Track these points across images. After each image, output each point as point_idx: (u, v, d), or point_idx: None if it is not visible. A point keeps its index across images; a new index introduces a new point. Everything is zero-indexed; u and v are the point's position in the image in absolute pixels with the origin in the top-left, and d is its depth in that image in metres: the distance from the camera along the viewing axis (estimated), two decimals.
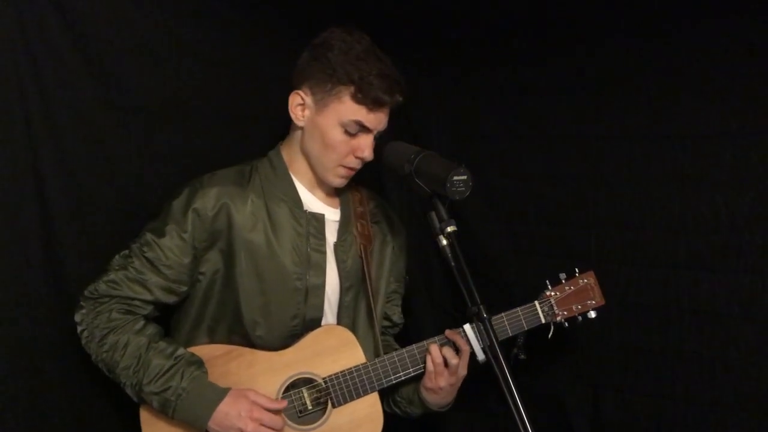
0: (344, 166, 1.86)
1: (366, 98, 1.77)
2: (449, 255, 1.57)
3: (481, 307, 1.52)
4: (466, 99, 2.51)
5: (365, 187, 2.09)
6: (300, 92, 1.84)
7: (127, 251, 1.80)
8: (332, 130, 1.81)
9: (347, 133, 1.81)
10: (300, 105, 1.85)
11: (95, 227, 1.88)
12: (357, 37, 1.81)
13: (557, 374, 2.33)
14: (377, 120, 1.82)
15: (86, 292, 1.78)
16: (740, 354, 2.02)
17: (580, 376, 2.31)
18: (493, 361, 1.48)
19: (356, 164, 1.87)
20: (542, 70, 2.32)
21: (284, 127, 1.96)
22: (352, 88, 1.77)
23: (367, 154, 1.84)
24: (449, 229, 1.58)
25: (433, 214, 1.63)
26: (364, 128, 1.82)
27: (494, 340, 1.50)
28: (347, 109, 1.79)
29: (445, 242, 1.58)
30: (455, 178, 1.57)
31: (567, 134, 2.30)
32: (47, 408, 1.80)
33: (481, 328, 1.84)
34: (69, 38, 1.78)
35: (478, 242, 2.47)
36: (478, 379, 1.91)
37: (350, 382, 1.87)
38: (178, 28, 2.02)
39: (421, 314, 2.57)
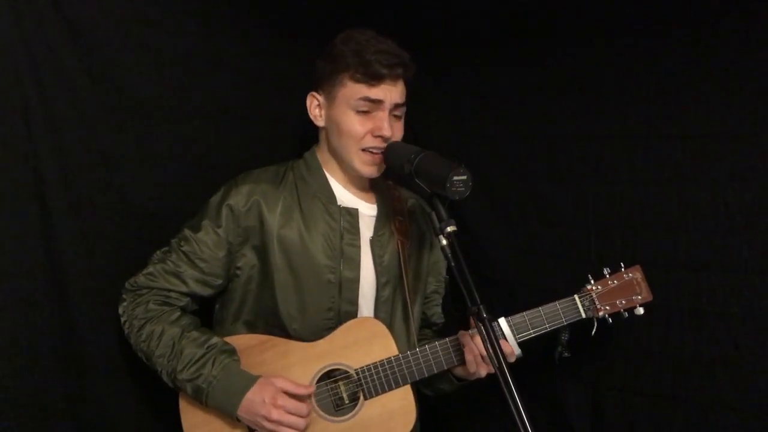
0: (365, 150, 1.86)
1: (364, 75, 1.81)
2: (449, 255, 1.57)
3: (481, 307, 1.52)
4: (466, 99, 2.51)
5: (404, 186, 2.09)
6: (315, 93, 1.91)
7: (167, 247, 1.88)
8: (344, 116, 1.85)
9: (360, 113, 1.83)
10: (317, 106, 1.91)
11: (95, 227, 1.88)
12: (360, 30, 1.86)
13: (557, 374, 2.33)
14: (383, 92, 1.83)
15: (127, 285, 1.87)
16: (740, 354, 2.01)
17: (581, 376, 2.30)
18: (493, 361, 1.48)
19: (377, 143, 1.85)
20: (542, 70, 2.32)
21: (287, 128, 1.97)
22: (350, 71, 1.82)
23: (386, 130, 1.83)
24: (449, 229, 1.59)
25: (433, 214, 1.63)
26: (374, 103, 1.83)
27: (495, 339, 1.50)
28: (350, 90, 1.83)
29: (445, 242, 1.58)
30: (455, 178, 1.58)
31: (567, 134, 2.30)
32: (47, 408, 1.80)
33: (512, 323, 1.90)
34: (69, 38, 1.79)
35: (478, 242, 2.47)
36: (479, 378, 1.91)
37: (382, 374, 1.86)
38: (179, 28, 2.02)
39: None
